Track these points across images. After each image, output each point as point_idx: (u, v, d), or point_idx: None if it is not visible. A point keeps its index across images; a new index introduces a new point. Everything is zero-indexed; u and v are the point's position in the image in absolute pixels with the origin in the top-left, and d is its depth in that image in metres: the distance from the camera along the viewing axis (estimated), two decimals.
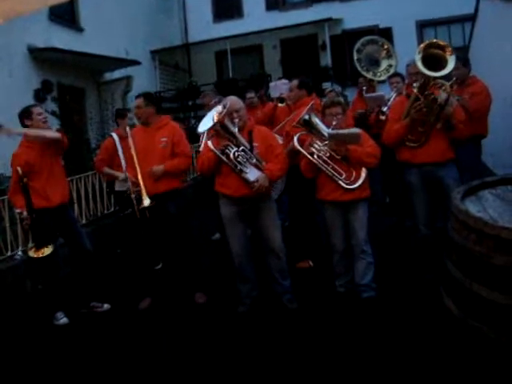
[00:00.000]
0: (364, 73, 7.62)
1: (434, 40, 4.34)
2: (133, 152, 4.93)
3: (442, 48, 4.20)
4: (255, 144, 4.46)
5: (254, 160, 4.38)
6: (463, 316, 3.18)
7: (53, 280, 4.96)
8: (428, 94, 4.30)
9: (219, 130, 4.39)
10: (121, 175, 5.50)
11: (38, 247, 4.65)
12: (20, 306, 5.40)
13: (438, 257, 4.24)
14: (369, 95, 6.92)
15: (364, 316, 4.23)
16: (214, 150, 4.40)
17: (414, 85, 4.47)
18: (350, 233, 4.47)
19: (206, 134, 5.06)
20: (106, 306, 5.13)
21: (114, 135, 6.01)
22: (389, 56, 7.88)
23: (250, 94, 7.28)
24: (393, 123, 4.64)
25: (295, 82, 5.65)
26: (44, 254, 4.63)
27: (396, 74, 6.99)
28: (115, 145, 5.85)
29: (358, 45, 7.91)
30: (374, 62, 7.83)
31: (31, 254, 4.68)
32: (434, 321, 3.82)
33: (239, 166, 4.32)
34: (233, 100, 4.54)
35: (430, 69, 4.15)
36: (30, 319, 5.09)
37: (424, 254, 4.73)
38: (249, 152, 4.38)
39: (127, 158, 5.21)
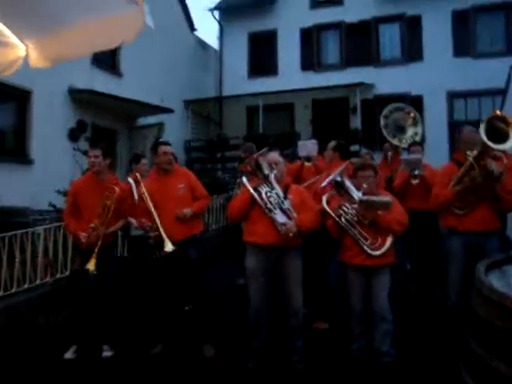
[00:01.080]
0: (390, 139, 7.67)
1: (499, 113, 4.36)
2: (147, 198, 4.95)
3: (507, 122, 4.23)
4: (290, 196, 4.47)
5: (286, 206, 4.38)
6: None
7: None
8: (484, 164, 4.30)
9: (255, 171, 4.46)
10: (134, 221, 5.47)
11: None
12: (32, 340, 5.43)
13: (460, 329, 4.13)
14: (405, 157, 6.85)
15: (381, 380, 4.11)
16: (248, 185, 4.45)
17: (469, 153, 4.47)
18: (371, 298, 4.38)
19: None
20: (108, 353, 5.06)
21: (130, 180, 5.95)
22: (415, 124, 7.95)
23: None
24: (441, 188, 4.64)
25: (332, 144, 5.71)
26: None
27: (416, 143, 7.00)
28: (131, 190, 5.81)
29: (385, 111, 8.01)
30: (400, 129, 7.89)
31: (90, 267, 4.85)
32: None
33: (269, 205, 4.33)
34: (273, 153, 4.70)
35: (491, 140, 4.16)
36: (40, 353, 5.13)
37: (449, 325, 4.61)
38: (282, 198, 4.40)
39: (141, 204, 5.20)
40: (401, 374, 4.16)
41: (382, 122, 7.87)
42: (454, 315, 4.56)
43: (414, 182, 6.20)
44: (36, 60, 2.99)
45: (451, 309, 4.60)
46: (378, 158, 10.13)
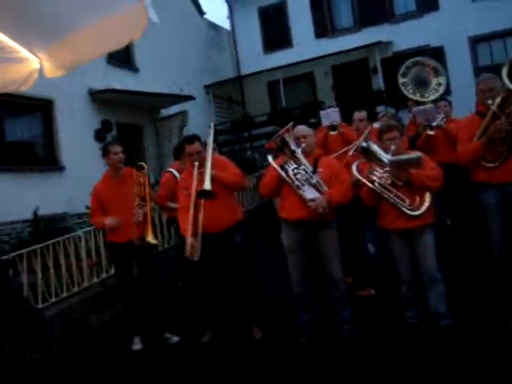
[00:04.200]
0: (411, 96, 7.44)
1: None
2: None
3: None
4: (319, 169, 4.39)
5: (315, 181, 4.33)
6: None
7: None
8: (510, 111, 4.09)
9: (282, 148, 4.42)
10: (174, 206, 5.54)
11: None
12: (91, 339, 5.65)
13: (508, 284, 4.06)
14: (416, 108, 6.71)
15: (443, 345, 4.01)
16: (274, 164, 4.44)
17: (490, 102, 4.28)
18: (418, 261, 4.28)
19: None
20: (175, 338, 5.19)
21: (174, 171, 5.98)
22: (436, 74, 7.67)
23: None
24: (465, 143, 4.45)
25: (361, 115, 5.73)
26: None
27: (442, 99, 6.82)
28: (175, 180, 5.84)
29: (402, 69, 7.73)
30: (423, 84, 7.64)
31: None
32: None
33: (297, 182, 4.31)
34: (300, 127, 4.65)
35: None
36: (105, 349, 5.34)
37: (496, 280, 4.50)
38: (310, 173, 4.34)
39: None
40: (460, 338, 4.06)
41: (400, 80, 7.62)
42: (500, 270, 4.43)
43: (430, 132, 6.07)
44: (50, 70, 3.01)
45: (496, 264, 4.47)
46: (405, 117, 9.95)
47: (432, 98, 7.25)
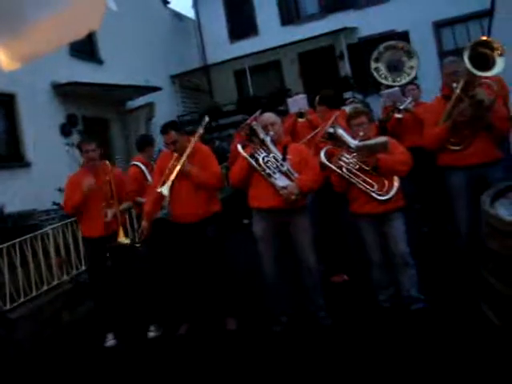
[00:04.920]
0: (383, 80, 7.45)
1: (484, 38, 4.17)
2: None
3: (491, 47, 4.04)
4: (289, 157, 4.39)
5: (285, 168, 4.32)
6: (502, 323, 3.04)
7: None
8: (473, 94, 4.13)
9: (251, 137, 4.39)
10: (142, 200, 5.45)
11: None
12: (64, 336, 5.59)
13: (474, 264, 4.11)
14: (384, 92, 6.77)
15: (416, 328, 4.06)
16: (243, 153, 4.40)
17: (454, 85, 4.30)
18: (388, 245, 4.31)
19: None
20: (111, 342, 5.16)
21: (139, 164, 5.83)
22: (409, 56, 7.66)
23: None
24: (431, 127, 4.48)
25: (316, 99, 5.62)
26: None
27: (411, 83, 6.86)
28: (143, 173, 5.76)
29: (374, 54, 7.71)
30: (396, 68, 7.64)
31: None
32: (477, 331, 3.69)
33: (267, 171, 4.29)
34: (268, 114, 4.63)
35: (476, 68, 3.99)
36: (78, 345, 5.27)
37: (464, 260, 4.57)
38: (280, 160, 4.33)
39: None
40: (432, 321, 4.10)
41: (373, 65, 7.61)
42: (467, 251, 4.49)
43: (398, 115, 6.13)
44: (6, 63, 2.91)
45: (462, 245, 4.53)
46: (373, 103, 10.00)
47: (404, 81, 7.25)
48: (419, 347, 3.78)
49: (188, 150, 4.75)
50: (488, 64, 4.01)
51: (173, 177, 4.69)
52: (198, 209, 4.82)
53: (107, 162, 5.29)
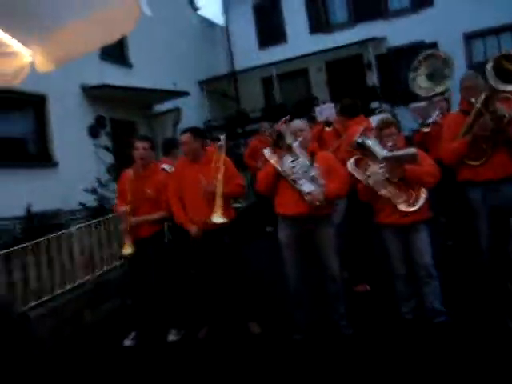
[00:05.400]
0: (418, 91, 7.32)
1: (506, 52, 4.08)
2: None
3: None
4: (316, 165, 4.36)
5: (312, 174, 4.28)
6: None
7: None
8: (494, 109, 4.06)
9: (278, 142, 4.38)
10: None
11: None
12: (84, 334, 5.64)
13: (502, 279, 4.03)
14: (412, 106, 6.71)
15: (438, 341, 4.00)
16: (270, 158, 4.40)
17: (473, 100, 4.25)
18: (413, 257, 4.26)
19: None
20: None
21: (167, 167, 5.71)
22: (446, 66, 7.46)
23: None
24: (449, 142, 4.43)
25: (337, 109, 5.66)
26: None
27: (440, 94, 6.77)
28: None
29: (414, 63, 7.51)
30: (434, 77, 7.45)
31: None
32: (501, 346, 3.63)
33: (293, 176, 4.27)
34: (297, 121, 4.64)
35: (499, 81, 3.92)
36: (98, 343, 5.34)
37: (487, 276, 4.49)
38: (307, 166, 4.29)
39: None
40: (455, 334, 4.05)
41: (411, 75, 7.45)
42: (490, 266, 4.41)
43: (425, 130, 6.07)
44: (42, 64, 2.97)
45: (485, 261, 4.45)
46: (401, 114, 9.90)
47: (439, 90, 7.09)
48: (440, 361, 3.73)
49: (220, 174, 4.81)
50: (509, 78, 3.94)
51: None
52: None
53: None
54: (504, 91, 4.01)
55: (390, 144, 4.23)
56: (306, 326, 4.56)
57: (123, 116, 13.33)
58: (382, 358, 3.95)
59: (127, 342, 5.11)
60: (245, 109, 17.46)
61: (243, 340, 4.79)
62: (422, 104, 6.48)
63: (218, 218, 4.68)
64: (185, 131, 5.06)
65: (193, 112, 15.70)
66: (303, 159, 4.32)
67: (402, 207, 4.16)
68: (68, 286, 6.18)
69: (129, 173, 5.22)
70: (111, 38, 2.81)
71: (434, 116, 6.20)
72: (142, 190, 5.07)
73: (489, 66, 3.94)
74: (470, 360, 3.67)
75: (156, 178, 5.17)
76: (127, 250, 5.02)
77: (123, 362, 4.81)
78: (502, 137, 4.13)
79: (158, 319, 5.31)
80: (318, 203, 4.20)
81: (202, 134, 5.18)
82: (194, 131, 5.04)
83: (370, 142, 4.32)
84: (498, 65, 3.94)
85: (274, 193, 4.55)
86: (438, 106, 6.39)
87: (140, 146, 5.10)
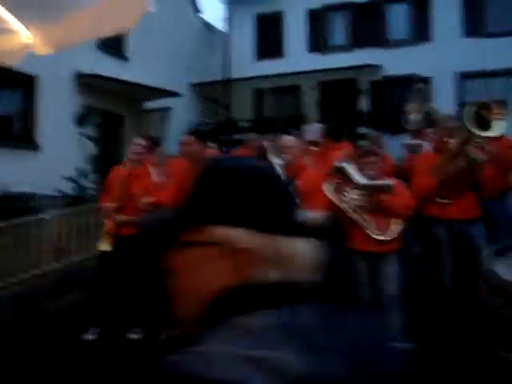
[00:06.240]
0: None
1: (485, 101, 4.20)
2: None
3: (491, 110, 4.07)
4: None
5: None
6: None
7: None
8: (468, 152, 4.18)
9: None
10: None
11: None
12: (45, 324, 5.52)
13: (464, 317, 4.08)
14: (407, 143, 6.83)
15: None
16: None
17: (448, 140, 4.37)
18: (379, 285, 4.33)
19: None
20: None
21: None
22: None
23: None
24: (421, 178, 4.53)
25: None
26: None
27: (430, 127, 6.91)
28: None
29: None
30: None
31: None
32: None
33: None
34: (286, 137, 4.89)
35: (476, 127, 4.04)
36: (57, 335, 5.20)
37: (448, 309, 4.57)
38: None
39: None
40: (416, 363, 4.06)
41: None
42: (456, 307, 4.49)
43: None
44: (41, 47, 2.97)
45: (448, 294, 4.54)
46: (390, 144, 9.96)
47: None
48: None
49: None
50: (484, 124, 4.05)
51: None
52: None
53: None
54: (480, 137, 4.12)
55: (370, 172, 4.29)
56: None
57: (112, 108, 13.23)
58: None
59: (86, 336, 5.07)
60: (234, 117, 17.46)
61: None
62: (416, 142, 6.57)
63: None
64: (190, 133, 5.05)
65: (182, 113, 15.68)
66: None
67: (374, 235, 4.22)
68: (34, 271, 6.10)
69: (120, 169, 5.22)
70: (112, 31, 2.83)
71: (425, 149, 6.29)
72: (130, 190, 5.09)
73: (469, 111, 4.05)
74: None
75: (146, 180, 5.22)
76: (105, 245, 5.00)
77: (79, 356, 4.71)
78: (472, 180, 4.25)
79: (121, 317, 5.26)
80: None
81: (204, 138, 5.20)
82: (197, 134, 5.04)
83: (349, 169, 4.37)
84: (477, 111, 4.07)
85: None
86: (429, 138, 6.50)
87: (134, 142, 5.24)
